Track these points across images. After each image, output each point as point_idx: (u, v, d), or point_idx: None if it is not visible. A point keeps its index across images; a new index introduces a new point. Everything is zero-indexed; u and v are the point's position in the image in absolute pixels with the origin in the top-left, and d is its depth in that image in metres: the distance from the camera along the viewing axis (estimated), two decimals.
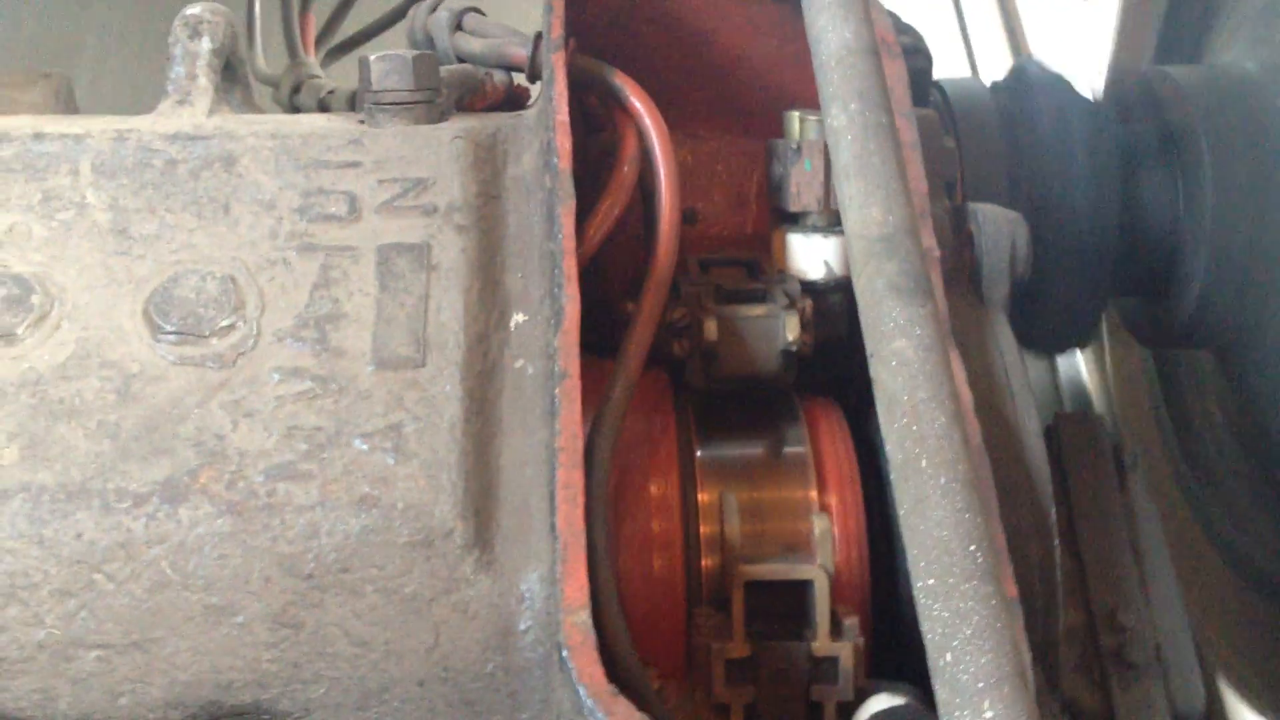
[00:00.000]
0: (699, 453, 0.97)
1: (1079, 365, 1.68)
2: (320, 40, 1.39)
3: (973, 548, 0.63)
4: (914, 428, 0.67)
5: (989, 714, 0.59)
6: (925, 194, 0.97)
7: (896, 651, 0.92)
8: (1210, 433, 1.40)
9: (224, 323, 0.85)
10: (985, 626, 0.61)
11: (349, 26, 1.44)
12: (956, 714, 0.60)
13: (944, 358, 0.69)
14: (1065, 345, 1.42)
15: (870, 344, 0.71)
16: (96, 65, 1.76)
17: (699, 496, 0.94)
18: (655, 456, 0.97)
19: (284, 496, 0.80)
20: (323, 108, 1.24)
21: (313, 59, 1.34)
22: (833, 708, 0.86)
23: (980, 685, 0.59)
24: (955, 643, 0.60)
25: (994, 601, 0.62)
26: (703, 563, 0.92)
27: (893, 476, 0.68)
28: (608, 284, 1.05)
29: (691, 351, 0.99)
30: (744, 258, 1.08)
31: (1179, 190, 1.26)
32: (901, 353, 0.69)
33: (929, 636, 0.62)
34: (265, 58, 1.34)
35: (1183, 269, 1.27)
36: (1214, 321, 1.27)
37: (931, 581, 0.62)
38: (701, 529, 0.93)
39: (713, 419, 1.00)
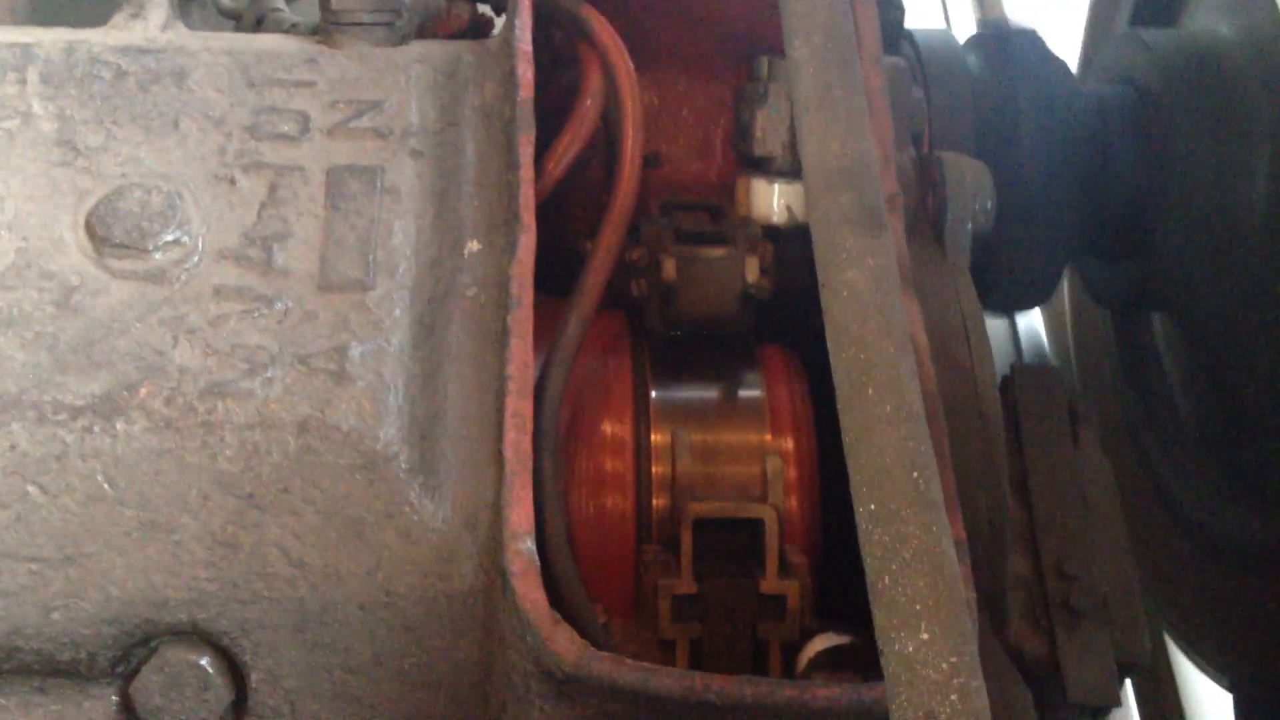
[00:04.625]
0: (654, 394, 0.96)
1: (1038, 324, 1.68)
2: None
3: (915, 475, 0.62)
4: (861, 357, 0.66)
5: (925, 636, 0.58)
6: (891, 140, 0.96)
7: (849, 598, 0.92)
8: (1166, 395, 1.40)
9: (168, 238, 0.83)
10: (924, 550, 0.60)
11: None
12: (893, 635, 0.59)
13: (895, 290, 0.69)
14: (1024, 303, 1.42)
15: (822, 274, 0.70)
16: None
17: (652, 437, 0.94)
18: (610, 396, 0.96)
19: (223, 414, 0.78)
20: None
21: None
22: (777, 645, 0.86)
23: (918, 607, 0.59)
24: (894, 565, 0.60)
25: (934, 528, 0.61)
26: (654, 502, 0.92)
27: (839, 407, 0.67)
28: (568, 226, 1.04)
29: (650, 292, 0.99)
30: (707, 202, 1.07)
31: (1148, 153, 1.26)
32: (853, 283, 0.68)
33: (868, 562, 0.62)
34: None
35: (1148, 232, 1.27)
36: (1178, 285, 1.27)
37: (872, 506, 0.62)
38: (654, 469, 0.92)
39: (669, 362, 0.99)
